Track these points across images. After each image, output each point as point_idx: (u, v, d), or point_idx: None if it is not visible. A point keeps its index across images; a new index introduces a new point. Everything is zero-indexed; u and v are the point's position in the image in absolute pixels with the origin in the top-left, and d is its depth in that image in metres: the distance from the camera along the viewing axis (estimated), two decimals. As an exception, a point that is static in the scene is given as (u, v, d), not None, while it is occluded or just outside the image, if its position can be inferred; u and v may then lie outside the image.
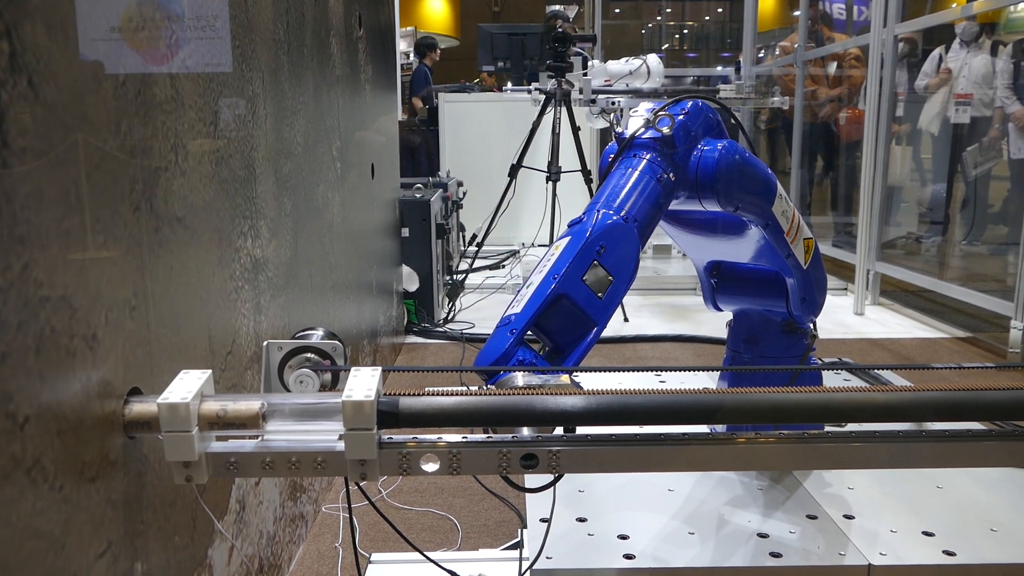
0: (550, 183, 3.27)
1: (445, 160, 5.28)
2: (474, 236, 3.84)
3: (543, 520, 1.47)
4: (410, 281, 3.25)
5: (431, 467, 0.78)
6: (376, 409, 0.75)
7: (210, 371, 0.77)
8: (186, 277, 1.04)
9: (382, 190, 2.71)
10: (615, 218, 1.20)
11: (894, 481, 1.65)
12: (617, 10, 12.37)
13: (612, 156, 1.46)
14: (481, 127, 5.27)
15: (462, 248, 4.28)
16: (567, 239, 1.17)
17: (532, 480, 1.01)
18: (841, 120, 5.24)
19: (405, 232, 3.26)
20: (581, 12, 11.51)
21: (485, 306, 3.71)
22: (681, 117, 1.36)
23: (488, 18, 12.73)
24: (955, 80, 4.81)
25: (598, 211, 1.21)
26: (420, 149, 6.61)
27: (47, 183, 0.73)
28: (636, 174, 1.31)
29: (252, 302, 1.31)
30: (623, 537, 1.42)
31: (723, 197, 1.38)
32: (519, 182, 3.63)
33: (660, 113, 1.36)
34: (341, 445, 0.76)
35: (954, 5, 6.08)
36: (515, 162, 3.55)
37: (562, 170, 3.27)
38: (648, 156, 1.34)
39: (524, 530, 1.47)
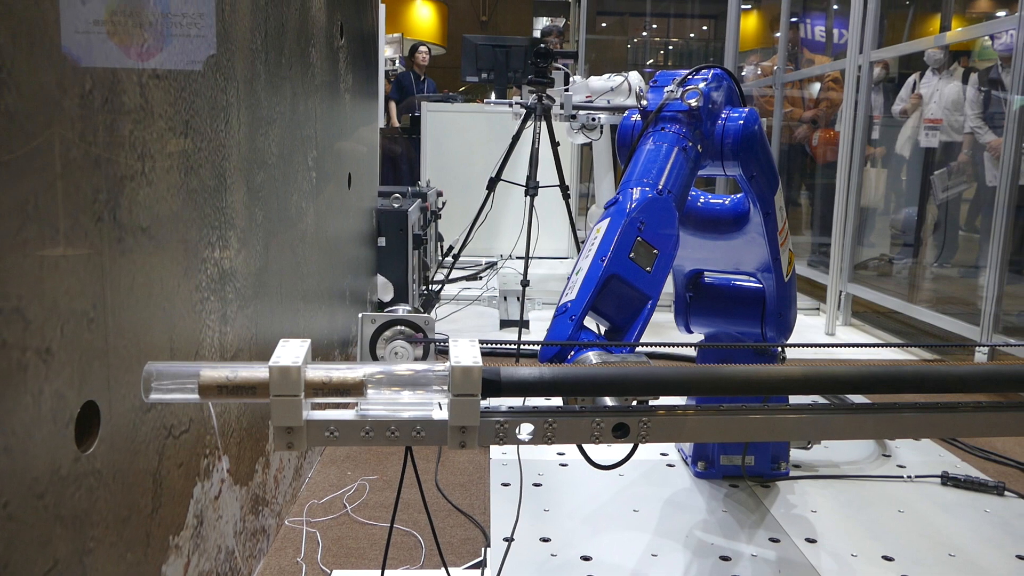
0: (528, 197, 3.28)
1: (426, 169, 5.28)
2: (450, 248, 3.84)
3: (506, 539, 1.46)
4: (384, 291, 3.24)
5: (526, 435, 0.80)
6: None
7: (309, 340, 0.77)
8: (149, 288, 1.03)
9: (359, 199, 2.70)
10: (651, 193, 1.21)
11: (857, 504, 1.67)
12: (603, 24, 12.44)
13: (634, 124, 1.47)
14: (463, 137, 5.27)
15: (439, 258, 4.28)
16: (607, 220, 1.18)
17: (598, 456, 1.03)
18: (814, 141, 5.31)
19: (382, 242, 3.25)
20: (568, 25, 11.56)
21: (460, 317, 3.70)
22: (705, 88, 1.39)
23: (476, 27, 12.76)
24: (926, 105, 4.89)
25: (633, 188, 1.23)
26: (402, 158, 6.59)
27: (4, 192, 0.72)
28: (666, 147, 1.33)
29: (218, 313, 1.29)
30: (586, 558, 1.42)
31: (744, 163, 1.43)
32: (498, 195, 3.63)
33: (688, 88, 1.38)
34: (438, 415, 0.78)
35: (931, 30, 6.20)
36: (494, 175, 3.55)
37: (540, 185, 3.28)
38: (675, 128, 1.37)
39: (487, 549, 1.47)
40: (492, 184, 3.55)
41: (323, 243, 2.10)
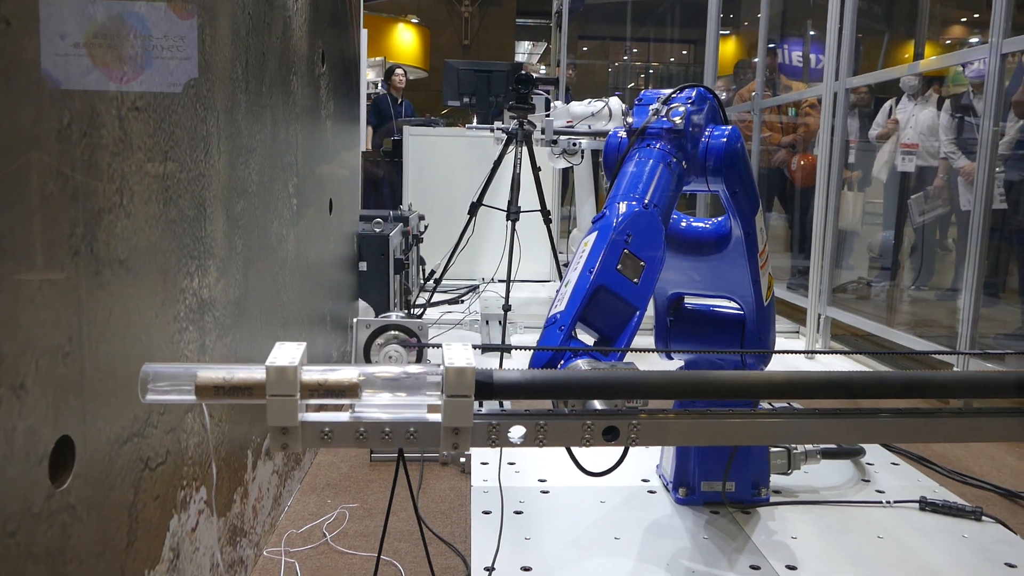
0: (509, 222, 3.29)
1: (408, 193, 5.29)
2: (432, 273, 3.84)
3: (487, 568, 1.46)
4: (365, 316, 3.23)
5: (518, 438, 0.82)
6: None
7: (305, 343, 0.79)
8: (126, 320, 1.02)
9: (340, 225, 2.70)
10: (637, 207, 1.25)
11: (836, 530, 1.68)
12: (584, 48, 12.57)
13: (620, 142, 1.51)
14: (445, 161, 5.29)
15: (421, 282, 4.28)
16: (594, 234, 1.21)
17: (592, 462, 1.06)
18: (793, 166, 5.38)
19: (363, 266, 3.25)
20: (549, 48, 11.66)
21: (442, 341, 3.69)
22: (689, 106, 1.44)
23: (458, 50, 12.85)
24: (902, 130, 4.98)
25: (619, 202, 1.26)
26: (383, 181, 6.60)
27: (-21, 230, 0.72)
28: (651, 163, 1.37)
29: (196, 343, 1.29)
30: (567, 587, 1.41)
31: (727, 179, 1.46)
32: (479, 219, 3.65)
33: (672, 106, 1.43)
34: (432, 417, 0.79)
35: (906, 55, 6.32)
36: (475, 200, 3.57)
37: (521, 210, 3.30)
38: (660, 145, 1.40)
39: (468, 578, 1.46)
40: (474, 209, 3.57)
41: (303, 269, 2.10)
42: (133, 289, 1.05)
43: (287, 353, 0.76)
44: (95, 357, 0.94)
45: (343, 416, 0.79)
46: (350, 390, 0.77)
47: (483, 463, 1.98)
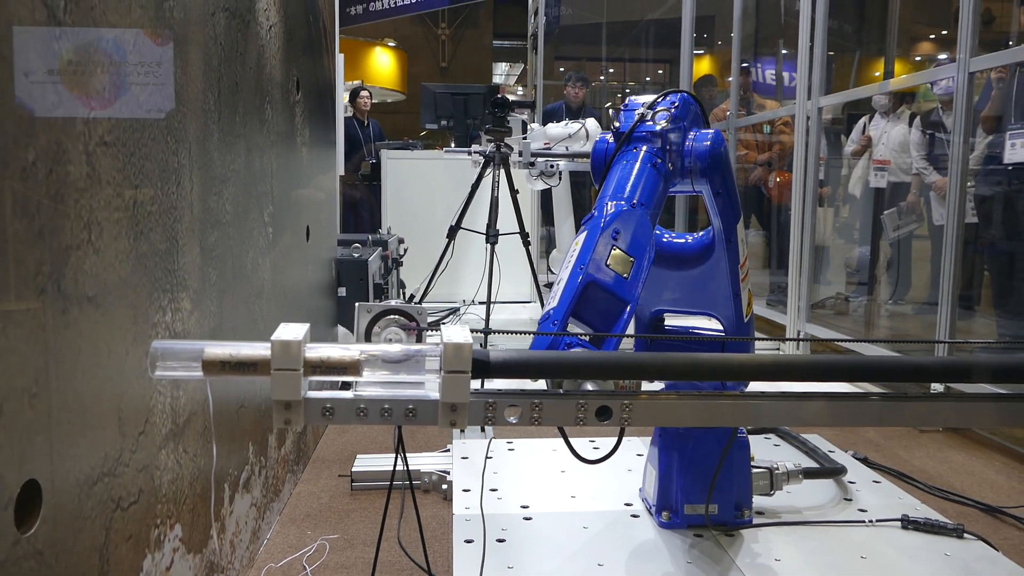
0: (489, 244, 3.29)
1: (387, 216, 5.28)
2: (411, 296, 3.82)
3: (469, 600, 1.44)
4: (346, 341, 3.20)
5: (514, 418, 0.84)
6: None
7: (308, 324, 0.81)
8: (96, 358, 1.00)
9: (318, 251, 2.69)
10: (625, 206, 1.29)
11: (820, 551, 1.67)
12: (561, 69, 12.67)
13: (608, 146, 1.56)
14: (424, 184, 5.29)
15: (401, 306, 4.25)
16: (584, 234, 1.26)
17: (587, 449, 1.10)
18: (770, 183, 5.43)
19: (342, 292, 3.23)
20: (525, 69, 11.74)
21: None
22: (674, 110, 1.49)
23: (435, 73, 12.91)
24: (875, 147, 5.05)
25: (608, 202, 1.31)
26: (362, 204, 6.58)
27: (-61, 274, 0.70)
28: (638, 164, 1.42)
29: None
30: (550, 618, 1.40)
31: (711, 180, 1.51)
32: (459, 241, 3.64)
33: (658, 109, 1.49)
34: (431, 395, 0.82)
35: (877, 73, 6.43)
36: (453, 224, 3.57)
37: (500, 233, 3.30)
38: (646, 148, 1.45)
39: (450, 610, 1.44)
40: (452, 232, 3.57)
41: (280, 297, 2.08)
42: (103, 326, 1.03)
43: (291, 331, 0.79)
44: (63, 397, 0.92)
45: (345, 393, 0.82)
46: (352, 367, 0.79)
47: (465, 490, 1.96)
